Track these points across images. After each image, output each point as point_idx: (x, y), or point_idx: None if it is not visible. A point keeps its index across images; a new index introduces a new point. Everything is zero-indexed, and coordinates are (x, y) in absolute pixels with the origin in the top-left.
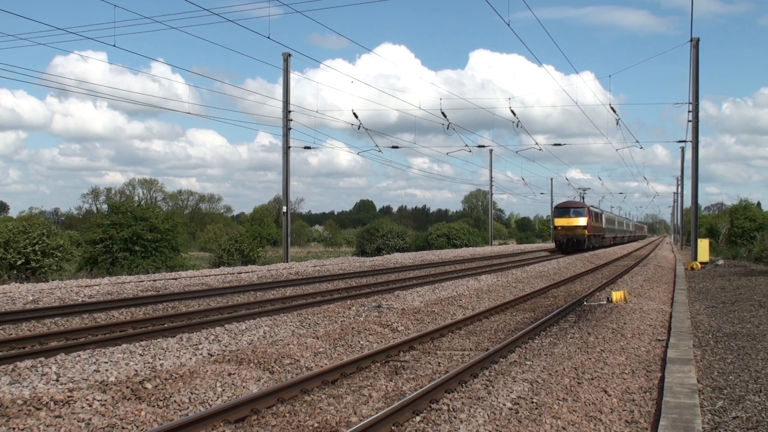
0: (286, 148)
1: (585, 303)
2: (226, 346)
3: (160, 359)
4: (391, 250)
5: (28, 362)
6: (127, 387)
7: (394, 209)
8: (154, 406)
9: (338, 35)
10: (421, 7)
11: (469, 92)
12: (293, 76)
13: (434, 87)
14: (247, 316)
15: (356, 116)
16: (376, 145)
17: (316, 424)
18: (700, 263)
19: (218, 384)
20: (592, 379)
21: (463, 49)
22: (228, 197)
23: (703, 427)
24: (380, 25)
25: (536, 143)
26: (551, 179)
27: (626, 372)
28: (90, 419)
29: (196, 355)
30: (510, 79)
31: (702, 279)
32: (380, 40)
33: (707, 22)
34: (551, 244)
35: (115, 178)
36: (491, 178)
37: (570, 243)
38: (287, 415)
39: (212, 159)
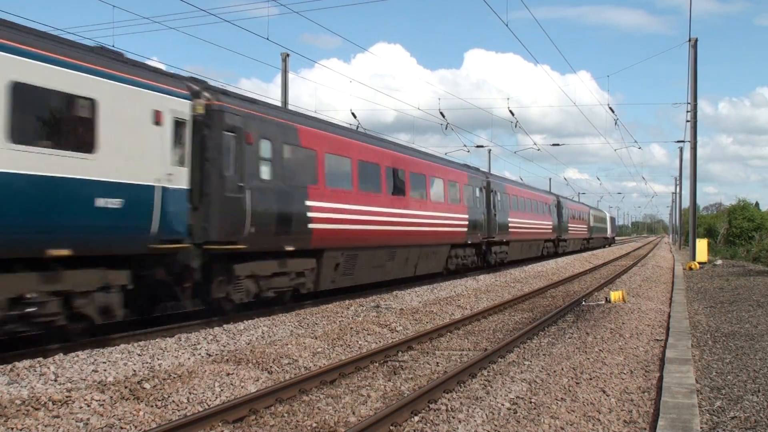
0: None
1: (583, 303)
2: (224, 346)
3: (158, 359)
4: None
5: (27, 362)
6: (126, 387)
7: None
8: (152, 406)
9: (331, 35)
10: (415, 7)
11: (464, 92)
12: (289, 75)
13: (430, 86)
14: (246, 316)
15: (355, 116)
16: None
17: (314, 424)
18: (699, 263)
19: (216, 384)
20: (591, 379)
21: (459, 49)
22: None
23: (701, 427)
24: (375, 24)
25: (534, 143)
26: (549, 179)
27: (625, 372)
28: (88, 419)
29: (194, 355)
30: (506, 79)
31: (700, 279)
32: (375, 39)
33: (704, 22)
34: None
35: None
36: None
37: None
38: (285, 415)
39: None
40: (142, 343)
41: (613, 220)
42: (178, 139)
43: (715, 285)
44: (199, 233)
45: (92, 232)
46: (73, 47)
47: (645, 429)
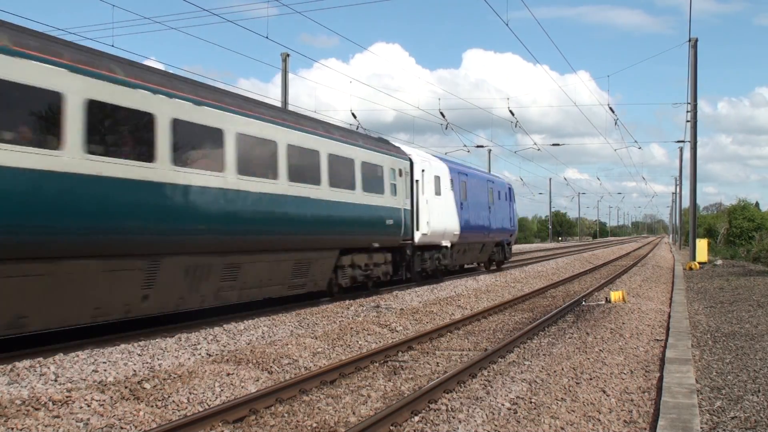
0: None
1: (583, 303)
2: (224, 346)
3: (158, 359)
4: None
5: (27, 362)
6: (126, 387)
7: None
8: (152, 406)
9: (330, 35)
10: (414, 6)
11: (463, 92)
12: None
13: (429, 86)
14: (246, 316)
15: (354, 116)
16: None
17: (314, 425)
18: (699, 263)
19: (217, 384)
20: (591, 379)
21: (458, 49)
22: None
23: (701, 427)
24: (373, 23)
25: (534, 143)
26: (549, 179)
27: (625, 372)
28: (88, 419)
29: (194, 355)
30: (505, 79)
31: (700, 279)
32: (374, 39)
33: (703, 22)
34: (550, 244)
35: None
36: None
37: None
38: (286, 415)
39: None
40: (142, 343)
41: (496, 188)
42: None
43: (715, 285)
44: None
45: None
46: None
47: (645, 429)
